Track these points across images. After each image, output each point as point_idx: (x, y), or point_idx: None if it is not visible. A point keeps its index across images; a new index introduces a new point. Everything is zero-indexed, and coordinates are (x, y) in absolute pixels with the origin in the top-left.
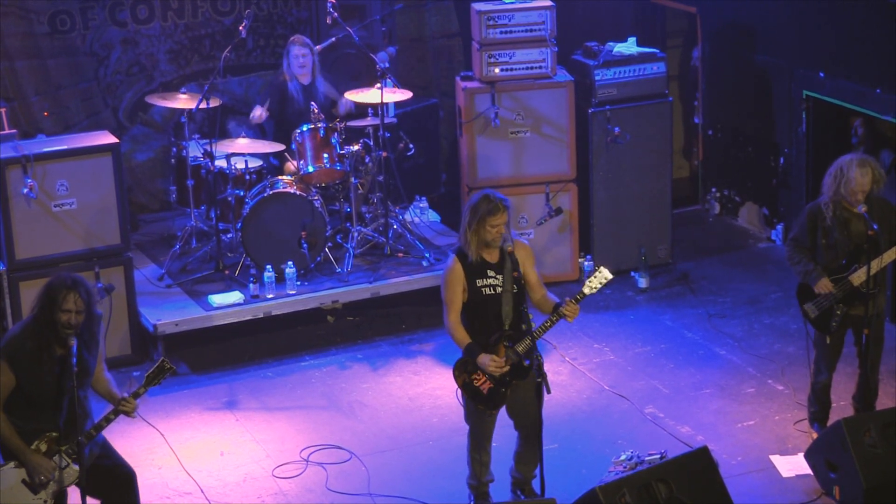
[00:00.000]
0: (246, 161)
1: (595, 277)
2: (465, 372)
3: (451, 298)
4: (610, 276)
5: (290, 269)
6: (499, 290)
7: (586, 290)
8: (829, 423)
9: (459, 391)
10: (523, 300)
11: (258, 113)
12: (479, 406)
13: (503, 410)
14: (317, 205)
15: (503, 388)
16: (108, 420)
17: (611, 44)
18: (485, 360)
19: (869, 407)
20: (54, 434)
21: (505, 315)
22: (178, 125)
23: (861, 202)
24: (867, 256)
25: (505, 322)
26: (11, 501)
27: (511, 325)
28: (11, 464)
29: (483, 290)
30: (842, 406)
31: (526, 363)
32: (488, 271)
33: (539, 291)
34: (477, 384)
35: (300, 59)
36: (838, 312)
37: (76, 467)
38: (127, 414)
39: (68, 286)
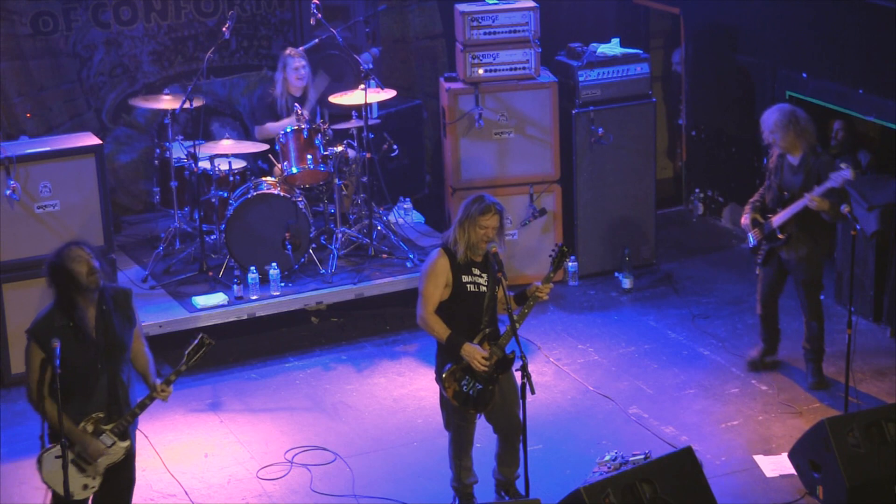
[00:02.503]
0: (230, 162)
1: (560, 256)
2: (455, 381)
3: (431, 292)
4: (568, 252)
5: (274, 271)
6: (482, 288)
7: (556, 268)
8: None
9: (441, 400)
10: (496, 302)
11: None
12: (470, 410)
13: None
14: (301, 206)
15: (491, 386)
16: (143, 406)
17: (594, 45)
18: (470, 350)
19: (814, 348)
20: (100, 415)
21: (483, 313)
22: (162, 126)
23: (778, 145)
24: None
25: (482, 320)
26: (59, 480)
27: (488, 324)
28: (57, 446)
29: (468, 286)
30: (816, 409)
31: (508, 353)
32: (474, 269)
33: (500, 294)
34: (466, 389)
35: (300, 70)
36: (762, 250)
37: (123, 444)
38: (163, 400)
39: (69, 244)
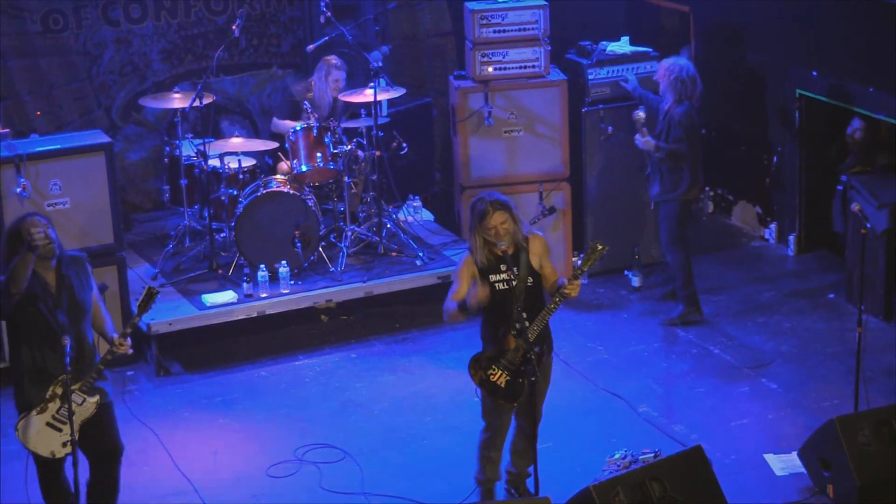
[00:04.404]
0: (239, 160)
1: (591, 252)
2: (480, 369)
3: (457, 288)
4: (601, 248)
5: (283, 269)
6: (513, 284)
7: (584, 266)
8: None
9: (477, 389)
10: (538, 292)
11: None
12: (499, 401)
13: None
14: (310, 204)
15: (520, 379)
16: (105, 361)
17: (604, 43)
18: (470, 298)
19: (676, 286)
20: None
21: (516, 309)
22: (172, 124)
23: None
24: None
25: (514, 313)
26: (41, 444)
27: (518, 318)
28: (34, 411)
29: (497, 285)
30: (826, 407)
31: (536, 349)
32: (501, 266)
33: (551, 279)
34: (494, 379)
35: (340, 82)
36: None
37: (92, 400)
38: (124, 352)
39: (25, 216)
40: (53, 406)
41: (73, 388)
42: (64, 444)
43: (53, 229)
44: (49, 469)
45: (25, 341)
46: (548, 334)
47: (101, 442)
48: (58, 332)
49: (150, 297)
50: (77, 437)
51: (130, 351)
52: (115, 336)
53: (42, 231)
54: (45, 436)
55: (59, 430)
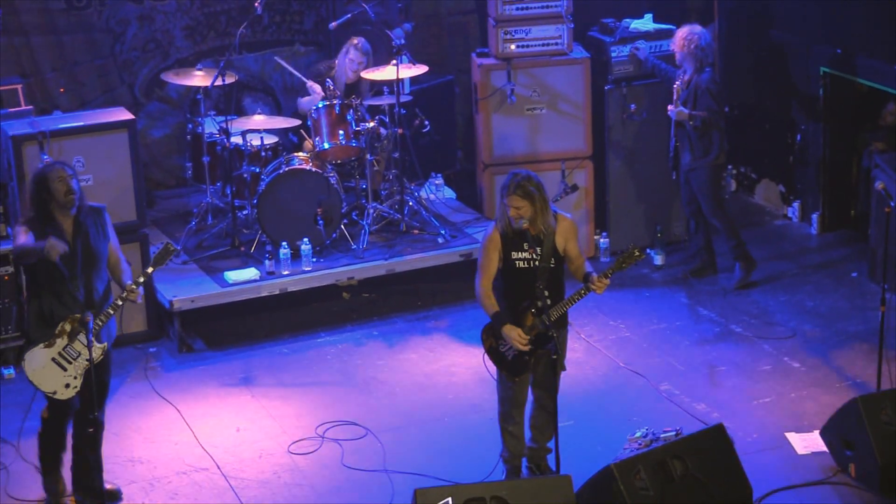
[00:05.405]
0: (261, 137)
1: (627, 255)
2: (491, 336)
3: (484, 264)
4: (638, 254)
5: (305, 246)
6: (534, 263)
7: (616, 268)
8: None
9: (486, 357)
10: (560, 275)
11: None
12: (502, 372)
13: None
14: (332, 181)
15: (527, 357)
16: (115, 307)
17: (627, 20)
18: (510, 331)
19: (730, 246)
20: (78, 315)
21: (538, 288)
22: (194, 102)
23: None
24: None
25: (536, 292)
26: (45, 379)
27: (539, 297)
28: (41, 345)
29: (517, 262)
30: (848, 387)
31: (551, 333)
32: (525, 244)
33: (576, 262)
34: (503, 350)
35: (354, 64)
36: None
37: (99, 346)
38: (132, 300)
39: (53, 164)
40: (61, 342)
41: (82, 328)
42: (67, 386)
43: (77, 181)
44: (57, 412)
45: (36, 284)
46: (564, 314)
47: (96, 384)
48: (67, 279)
49: (166, 252)
50: (79, 384)
51: (140, 300)
52: (128, 283)
53: (67, 184)
54: (50, 371)
55: (64, 368)
